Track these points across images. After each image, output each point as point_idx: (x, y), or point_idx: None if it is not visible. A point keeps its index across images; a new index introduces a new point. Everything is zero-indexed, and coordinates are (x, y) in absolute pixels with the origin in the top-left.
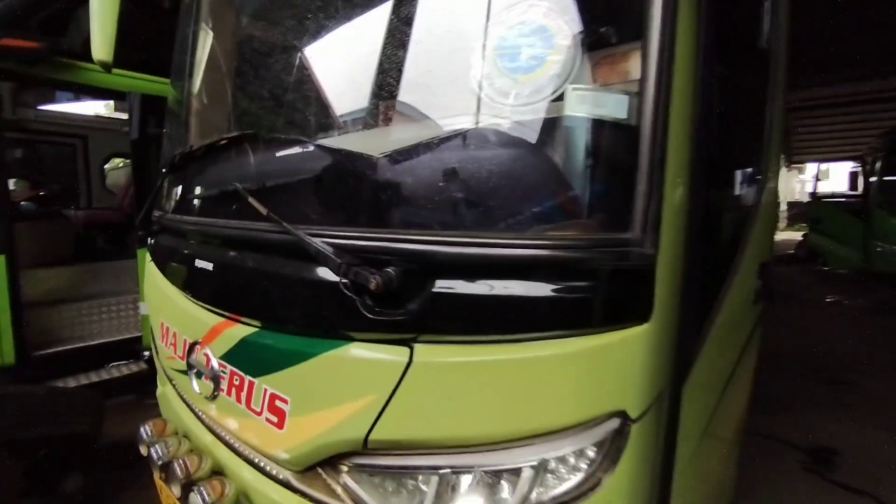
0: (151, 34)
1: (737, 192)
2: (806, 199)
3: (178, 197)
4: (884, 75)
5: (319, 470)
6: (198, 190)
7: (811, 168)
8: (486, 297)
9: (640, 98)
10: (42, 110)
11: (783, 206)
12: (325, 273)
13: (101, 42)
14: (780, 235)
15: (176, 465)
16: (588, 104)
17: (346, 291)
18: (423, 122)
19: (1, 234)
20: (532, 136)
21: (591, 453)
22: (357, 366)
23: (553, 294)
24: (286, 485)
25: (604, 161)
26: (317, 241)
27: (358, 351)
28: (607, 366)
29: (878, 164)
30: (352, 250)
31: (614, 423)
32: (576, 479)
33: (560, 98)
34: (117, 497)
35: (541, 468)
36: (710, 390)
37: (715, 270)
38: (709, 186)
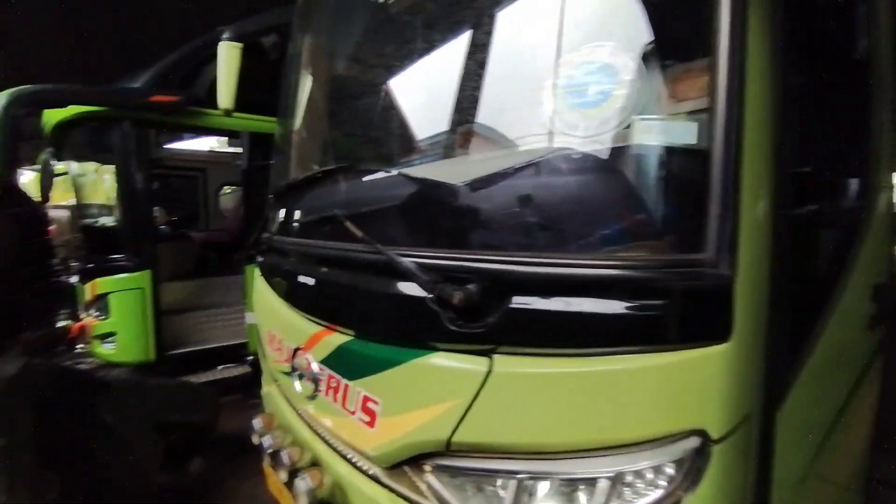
0: (261, 81)
1: (835, 208)
2: None
3: (283, 221)
4: None
5: (406, 468)
6: (301, 215)
7: None
8: (561, 314)
9: (710, 120)
10: (173, 149)
11: None
12: (412, 289)
13: (226, 93)
14: None
15: (283, 454)
16: (655, 133)
17: (431, 305)
18: (501, 152)
19: (149, 253)
20: (602, 164)
21: (669, 470)
22: (441, 373)
23: (626, 311)
24: (375, 479)
25: (674, 184)
26: (406, 261)
27: (442, 360)
28: (684, 382)
29: None
30: (437, 269)
31: (694, 442)
32: (654, 495)
33: (629, 127)
34: (228, 481)
35: (617, 480)
36: (813, 421)
37: (812, 292)
38: (797, 204)
